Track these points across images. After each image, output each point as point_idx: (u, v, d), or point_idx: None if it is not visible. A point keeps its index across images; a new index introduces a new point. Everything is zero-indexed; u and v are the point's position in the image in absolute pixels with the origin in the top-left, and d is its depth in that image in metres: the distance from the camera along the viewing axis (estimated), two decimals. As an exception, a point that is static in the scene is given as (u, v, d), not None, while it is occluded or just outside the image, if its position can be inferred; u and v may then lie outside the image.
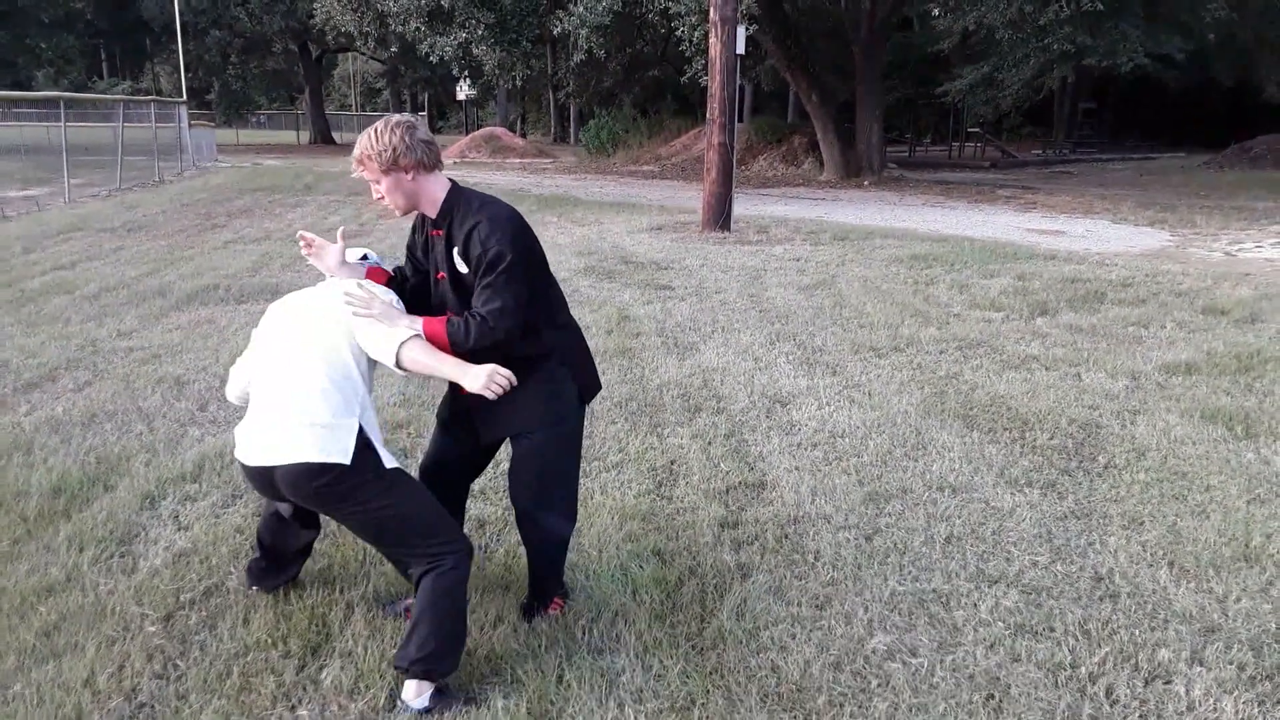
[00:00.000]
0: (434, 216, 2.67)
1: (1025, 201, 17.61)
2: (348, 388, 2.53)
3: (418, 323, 2.59)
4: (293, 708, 2.57)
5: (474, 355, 2.59)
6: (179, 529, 3.64)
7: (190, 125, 26.80)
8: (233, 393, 2.84)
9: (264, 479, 2.54)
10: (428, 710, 2.51)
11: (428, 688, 2.53)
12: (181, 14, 29.81)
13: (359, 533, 2.60)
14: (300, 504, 2.62)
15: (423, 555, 2.53)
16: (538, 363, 2.75)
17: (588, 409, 2.99)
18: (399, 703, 2.54)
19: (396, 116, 2.63)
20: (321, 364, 2.53)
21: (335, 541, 3.53)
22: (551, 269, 2.86)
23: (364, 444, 2.49)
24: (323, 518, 2.94)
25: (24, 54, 37.21)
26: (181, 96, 29.13)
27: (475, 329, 2.55)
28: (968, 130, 34.75)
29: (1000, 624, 3.00)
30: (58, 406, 5.06)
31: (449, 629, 2.53)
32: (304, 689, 2.64)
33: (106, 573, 3.27)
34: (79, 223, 12.63)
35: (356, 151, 2.58)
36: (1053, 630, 2.97)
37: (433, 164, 2.61)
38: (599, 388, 3.01)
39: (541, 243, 2.79)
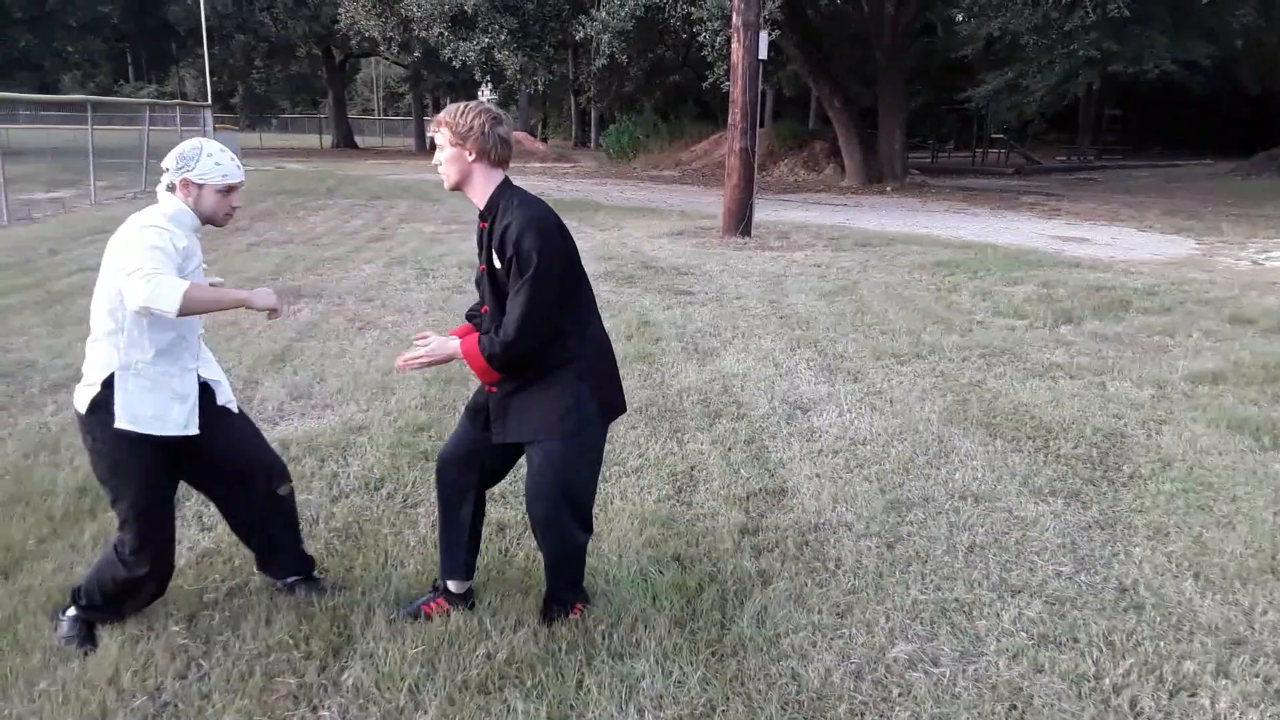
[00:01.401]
0: (481, 208, 2.77)
1: (1049, 208, 17.50)
2: (115, 340, 2.71)
3: (456, 342, 2.77)
4: (314, 708, 2.58)
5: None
6: (202, 529, 3.67)
7: (214, 128, 27.06)
8: None
9: None
10: (72, 621, 2.92)
11: (76, 614, 2.93)
12: (207, 18, 30.09)
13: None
14: None
15: (119, 517, 2.81)
16: (555, 371, 2.75)
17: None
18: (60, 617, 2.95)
19: (489, 105, 2.77)
20: (98, 317, 2.73)
21: (357, 544, 3.55)
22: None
23: (103, 400, 2.70)
24: (303, 501, 3.15)
25: (51, 57, 37.68)
26: (206, 100, 29.39)
27: (497, 344, 2.67)
28: (991, 136, 34.55)
29: (1023, 634, 2.98)
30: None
31: (100, 586, 2.86)
32: (325, 690, 2.66)
33: (131, 572, 3.30)
34: (105, 225, 12.74)
35: (440, 114, 2.75)
36: (1076, 641, 2.95)
37: (498, 160, 2.74)
38: (623, 409, 2.98)
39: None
